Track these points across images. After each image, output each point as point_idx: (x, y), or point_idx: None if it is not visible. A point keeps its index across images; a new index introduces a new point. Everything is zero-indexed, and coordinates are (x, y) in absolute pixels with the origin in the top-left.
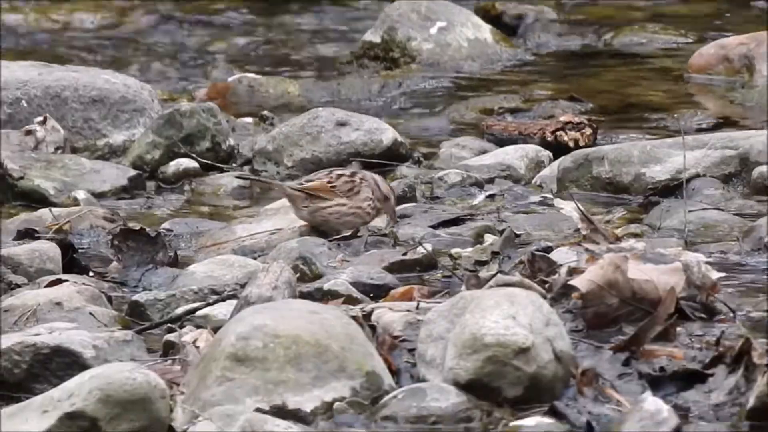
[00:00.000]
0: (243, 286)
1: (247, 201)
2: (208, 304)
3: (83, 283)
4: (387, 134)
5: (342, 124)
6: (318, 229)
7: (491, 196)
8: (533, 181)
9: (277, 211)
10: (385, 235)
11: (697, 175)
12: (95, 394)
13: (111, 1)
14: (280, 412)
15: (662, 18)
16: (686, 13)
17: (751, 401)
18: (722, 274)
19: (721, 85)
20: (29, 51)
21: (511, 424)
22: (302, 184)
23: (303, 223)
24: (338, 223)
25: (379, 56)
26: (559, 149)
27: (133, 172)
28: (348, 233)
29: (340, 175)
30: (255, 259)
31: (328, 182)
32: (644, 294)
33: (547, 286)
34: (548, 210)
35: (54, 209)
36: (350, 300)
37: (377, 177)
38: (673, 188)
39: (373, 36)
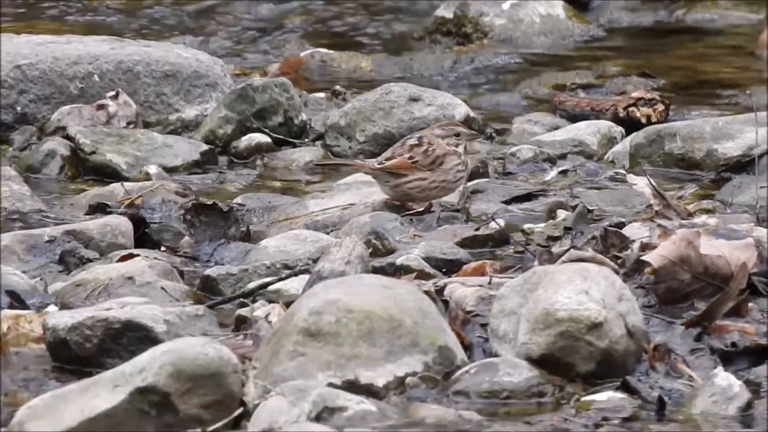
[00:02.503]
0: (315, 260)
1: (320, 176)
2: (281, 279)
3: (155, 258)
4: (459, 109)
5: (414, 99)
6: (394, 203)
7: (563, 172)
8: (605, 157)
9: (349, 186)
10: (457, 210)
11: None
12: (167, 368)
13: None
14: (353, 386)
15: None
16: None
17: None
18: None
19: None
20: (101, 25)
21: (583, 399)
22: (382, 163)
23: (375, 198)
24: (421, 196)
25: (452, 32)
26: (631, 125)
27: (205, 147)
28: (421, 208)
29: (414, 146)
30: (327, 233)
31: (409, 158)
32: (716, 269)
33: (619, 261)
34: (620, 186)
35: (126, 184)
36: (423, 275)
37: (438, 130)
38: (744, 164)
39: (445, 11)
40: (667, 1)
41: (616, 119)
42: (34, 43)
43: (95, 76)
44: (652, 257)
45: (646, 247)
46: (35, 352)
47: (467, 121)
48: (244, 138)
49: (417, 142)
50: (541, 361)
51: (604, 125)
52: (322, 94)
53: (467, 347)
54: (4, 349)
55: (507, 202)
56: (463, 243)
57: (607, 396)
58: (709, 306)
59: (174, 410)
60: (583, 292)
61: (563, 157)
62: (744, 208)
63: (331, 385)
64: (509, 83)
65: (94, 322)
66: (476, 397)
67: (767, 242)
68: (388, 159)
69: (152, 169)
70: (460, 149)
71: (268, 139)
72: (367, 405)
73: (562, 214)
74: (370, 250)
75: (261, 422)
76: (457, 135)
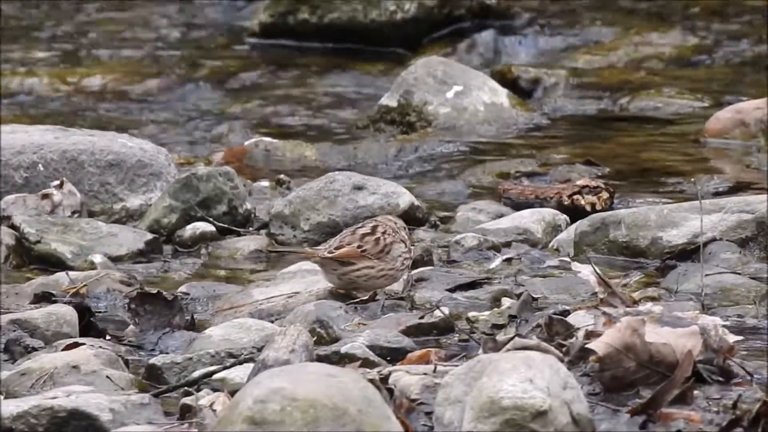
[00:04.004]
0: (260, 349)
1: (264, 264)
2: (225, 368)
3: (100, 347)
4: (404, 198)
5: (359, 187)
6: (339, 292)
7: (508, 260)
8: (550, 245)
9: (294, 275)
10: (401, 298)
11: (714, 239)
12: None
13: (126, 65)
14: None
15: (678, 82)
16: (702, 77)
17: None
18: (739, 338)
19: (737, 149)
20: (45, 115)
21: None
22: (332, 252)
23: (320, 286)
24: (368, 285)
25: (396, 120)
26: (575, 213)
27: (149, 236)
28: (365, 296)
29: (366, 235)
30: (272, 322)
31: (358, 247)
32: (661, 357)
33: (564, 349)
34: (565, 273)
35: (71, 273)
36: (367, 363)
37: (392, 217)
38: (689, 252)
39: (389, 100)
40: (611, 89)
41: (561, 207)
42: None
43: (40, 165)
44: (597, 345)
45: (591, 335)
46: None
47: (411, 210)
48: (188, 227)
49: (369, 231)
50: None
51: (549, 213)
52: (266, 183)
53: None
54: None
55: (451, 290)
56: (408, 331)
57: None
58: (655, 394)
59: None
60: (528, 380)
61: (508, 245)
62: (689, 295)
63: None
64: (453, 171)
65: (39, 410)
66: None
67: (712, 330)
68: (337, 248)
69: (97, 258)
70: (405, 235)
71: (213, 228)
72: None
73: (506, 302)
74: (315, 338)
75: None
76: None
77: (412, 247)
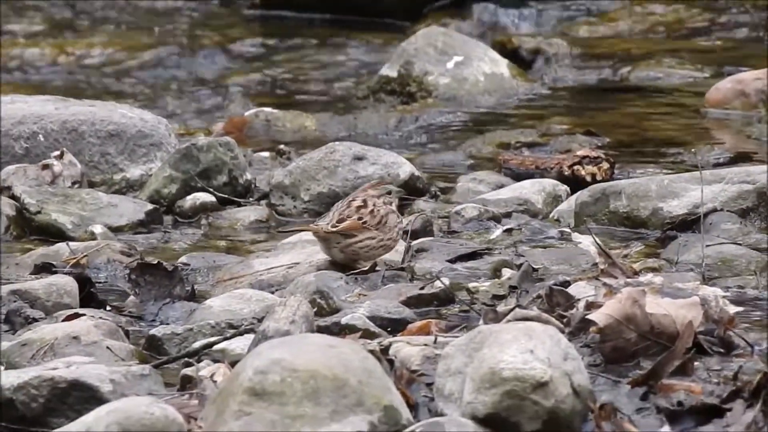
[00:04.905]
0: (260, 320)
1: (264, 235)
2: (226, 339)
3: (100, 317)
4: (404, 168)
5: (359, 158)
6: (339, 263)
7: (508, 231)
8: (550, 216)
9: (294, 245)
10: (402, 269)
11: (715, 210)
12: (113, 428)
13: (126, 36)
14: None
15: (679, 52)
16: (703, 48)
17: None
18: (740, 309)
19: (737, 119)
20: (46, 85)
21: None
22: (336, 226)
23: (320, 257)
24: (368, 255)
25: (396, 91)
26: (576, 183)
27: (150, 207)
28: (366, 267)
29: (360, 207)
30: (272, 293)
31: (359, 218)
32: (662, 328)
33: (565, 320)
34: (566, 244)
35: (71, 243)
36: (368, 334)
37: (373, 191)
38: (690, 223)
39: (389, 70)
40: (612, 59)
41: (561, 177)
42: None
43: (40, 135)
44: (597, 316)
45: (591, 305)
46: None
47: (412, 180)
48: (188, 197)
49: (362, 204)
50: (487, 421)
51: (549, 184)
52: (266, 154)
53: (412, 407)
54: None
55: (452, 261)
56: (408, 302)
57: None
58: (655, 365)
59: None
60: (528, 351)
61: (508, 215)
62: (689, 266)
63: None
64: (454, 142)
65: (40, 381)
66: None
67: (713, 301)
68: (339, 221)
69: (97, 229)
70: (394, 206)
71: (213, 199)
72: None
73: (507, 272)
74: (315, 309)
75: None
76: (389, 193)
77: (401, 216)
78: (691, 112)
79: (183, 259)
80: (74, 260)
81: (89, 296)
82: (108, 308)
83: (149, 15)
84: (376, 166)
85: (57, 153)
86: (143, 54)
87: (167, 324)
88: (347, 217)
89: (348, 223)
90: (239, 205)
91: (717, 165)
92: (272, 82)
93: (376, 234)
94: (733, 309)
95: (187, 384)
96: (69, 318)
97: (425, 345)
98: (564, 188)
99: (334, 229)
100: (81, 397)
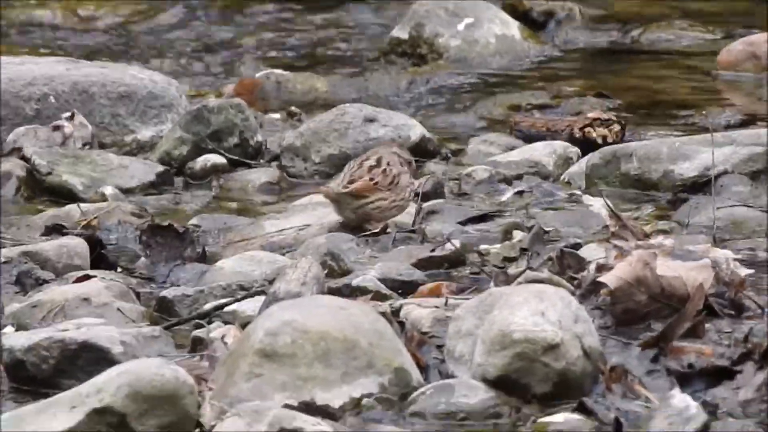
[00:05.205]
0: (271, 282)
1: (275, 197)
2: (237, 300)
3: (111, 279)
4: (415, 130)
5: (370, 120)
6: (350, 225)
7: (519, 193)
8: (561, 178)
9: (305, 207)
10: (413, 231)
11: (726, 172)
12: (124, 389)
13: None
14: (309, 408)
15: (690, 15)
16: (714, 10)
17: None
18: (751, 271)
19: (749, 81)
20: (56, 46)
21: (540, 420)
22: (347, 187)
23: (331, 218)
24: (380, 216)
25: (407, 52)
26: (587, 146)
27: (160, 168)
28: (377, 229)
29: (373, 167)
30: (283, 255)
31: (371, 179)
32: (673, 291)
33: (575, 282)
34: (577, 207)
35: (82, 205)
36: (378, 296)
37: (395, 149)
38: (701, 185)
39: (400, 32)
40: (623, 21)
41: (572, 140)
42: None
43: (51, 97)
44: (608, 278)
45: (602, 268)
46: None
47: (423, 142)
48: (199, 159)
49: (375, 163)
50: (498, 383)
51: (560, 146)
52: (277, 115)
53: (423, 369)
54: None
55: (463, 223)
56: (419, 264)
57: (563, 417)
58: (666, 327)
59: (131, 431)
60: (539, 313)
61: (519, 177)
62: (701, 228)
63: (287, 406)
64: (465, 104)
65: (50, 343)
66: (432, 419)
67: (724, 263)
68: (350, 182)
69: (108, 190)
70: (407, 168)
71: (224, 160)
72: (323, 426)
73: (518, 235)
74: (326, 271)
75: None
76: (409, 163)
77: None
78: (703, 74)
79: (194, 220)
80: (85, 222)
81: (100, 258)
82: (119, 270)
83: None
84: (387, 128)
85: (68, 114)
86: (155, 16)
87: (178, 286)
88: (359, 177)
89: (360, 184)
90: (250, 166)
91: (728, 127)
92: (283, 44)
93: (388, 195)
94: (744, 271)
95: (197, 346)
96: (80, 279)
97: (436, 307)
98: (575, 150)
99: (345, 191)
100: (91, 358)
